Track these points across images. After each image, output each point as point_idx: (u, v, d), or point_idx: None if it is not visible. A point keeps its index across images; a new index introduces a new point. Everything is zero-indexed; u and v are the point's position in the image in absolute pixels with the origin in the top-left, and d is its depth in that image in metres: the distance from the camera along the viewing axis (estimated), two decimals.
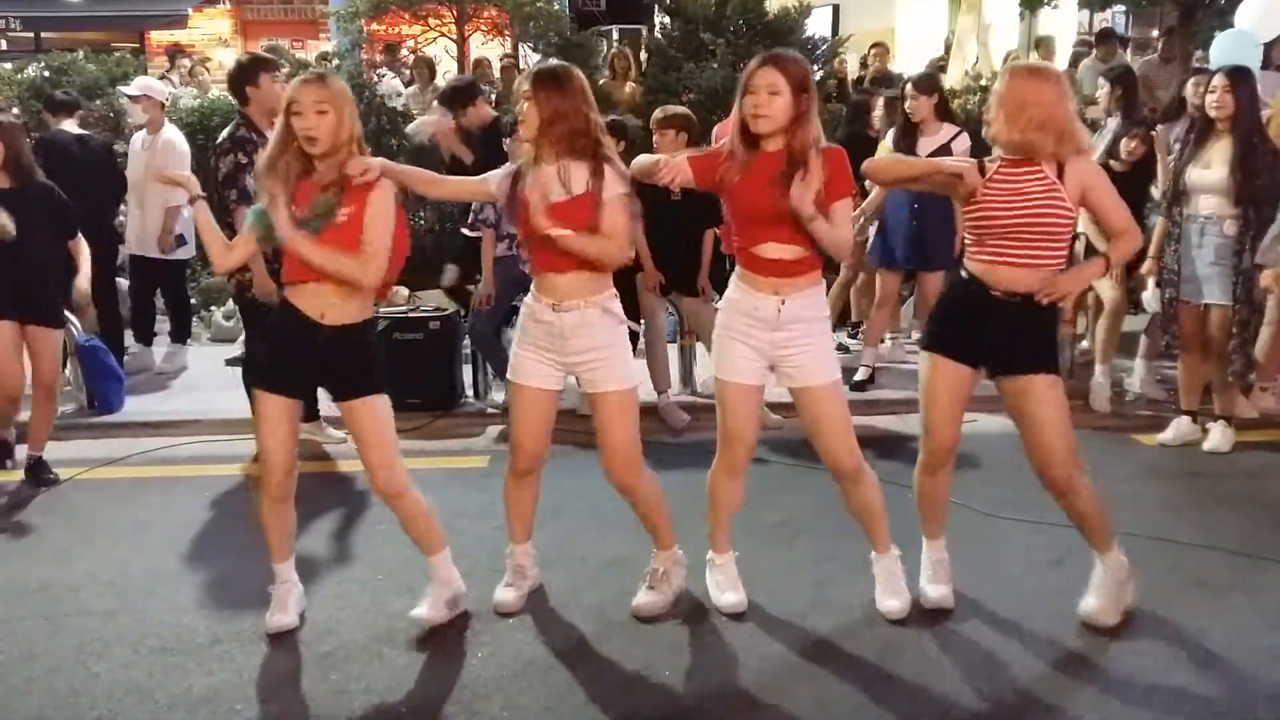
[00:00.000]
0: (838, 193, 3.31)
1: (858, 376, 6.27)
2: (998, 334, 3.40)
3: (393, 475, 3.45)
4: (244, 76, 5.11)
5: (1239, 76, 4.97)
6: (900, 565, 3.66)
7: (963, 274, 3.49)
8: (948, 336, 3.51)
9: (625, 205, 3.34)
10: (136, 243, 6.94)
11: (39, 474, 5.07)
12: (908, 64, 11.69)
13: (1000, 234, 3.32)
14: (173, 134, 6.97)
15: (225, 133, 5.14)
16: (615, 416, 3.47)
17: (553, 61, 3.54)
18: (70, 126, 6.94)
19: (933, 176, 3.50)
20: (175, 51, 12.16)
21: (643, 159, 3.50)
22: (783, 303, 3.37)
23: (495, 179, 3.50)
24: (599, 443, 3.53)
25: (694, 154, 3.56)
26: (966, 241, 3.49)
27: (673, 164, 3.38)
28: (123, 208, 7.72)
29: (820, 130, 3.36)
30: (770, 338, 3.41)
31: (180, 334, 7.17)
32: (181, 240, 6.90)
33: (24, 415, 5.26)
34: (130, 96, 6.94)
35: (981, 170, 3.37)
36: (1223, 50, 6.63)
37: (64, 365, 6.58)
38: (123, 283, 7.40)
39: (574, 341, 3.41)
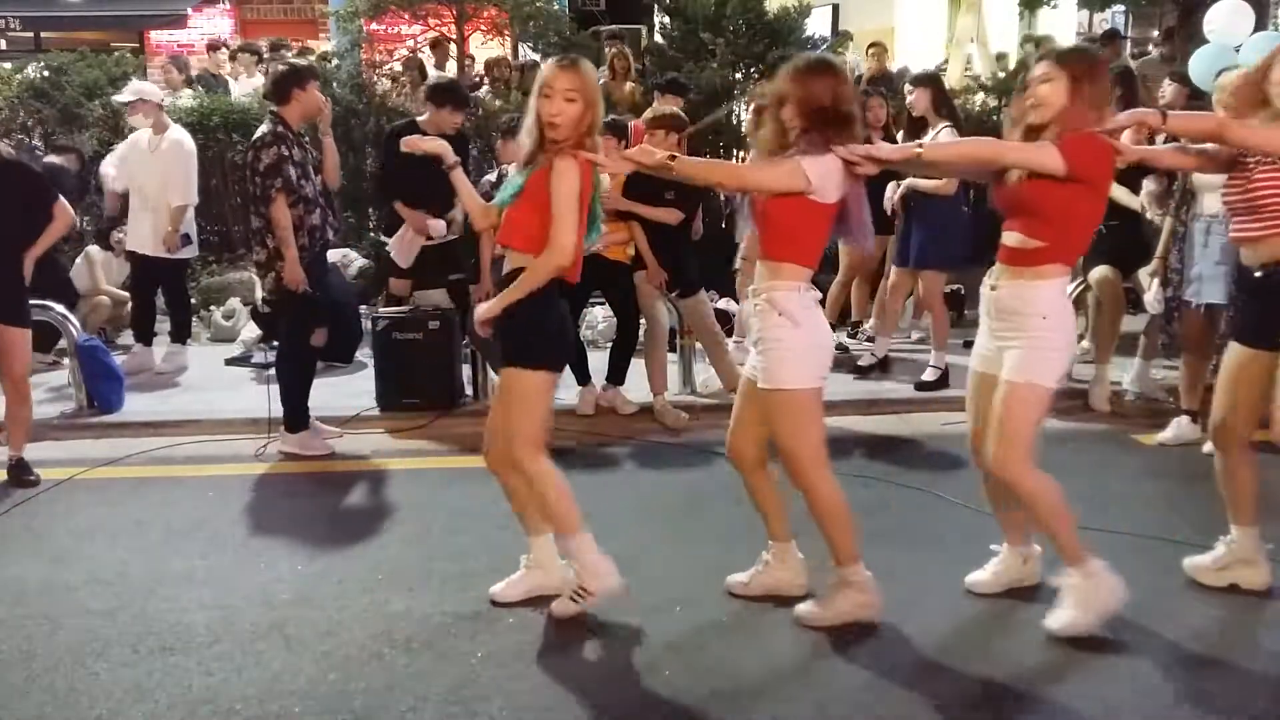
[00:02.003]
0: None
1: (862, 363, 6.56)
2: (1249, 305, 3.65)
3: (508, 449, 3.48)
4: (296, 79, 5.30)
5: None
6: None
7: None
8: (1235, 321, 3.81)
9: None
10: (140, 241, 6.92)
11: (19, 475, 5.04)
12: (908, 64, 11.71)
13: (1235, 212, 3.62)
14: (179, 133, 6.99)
15: (265, 128, 5.26)
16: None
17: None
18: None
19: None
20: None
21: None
22: (992, 288, 3.43)
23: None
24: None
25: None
26: None
27: None
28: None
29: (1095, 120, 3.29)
30: (991, 325, 3.48)
31: (180, 334, 7.16)
32: (187, 239, 6.90)
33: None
34: (125, 103, 6.90)
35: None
36: (1203, 65, 6.68)
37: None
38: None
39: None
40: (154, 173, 6.82)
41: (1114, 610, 3.41)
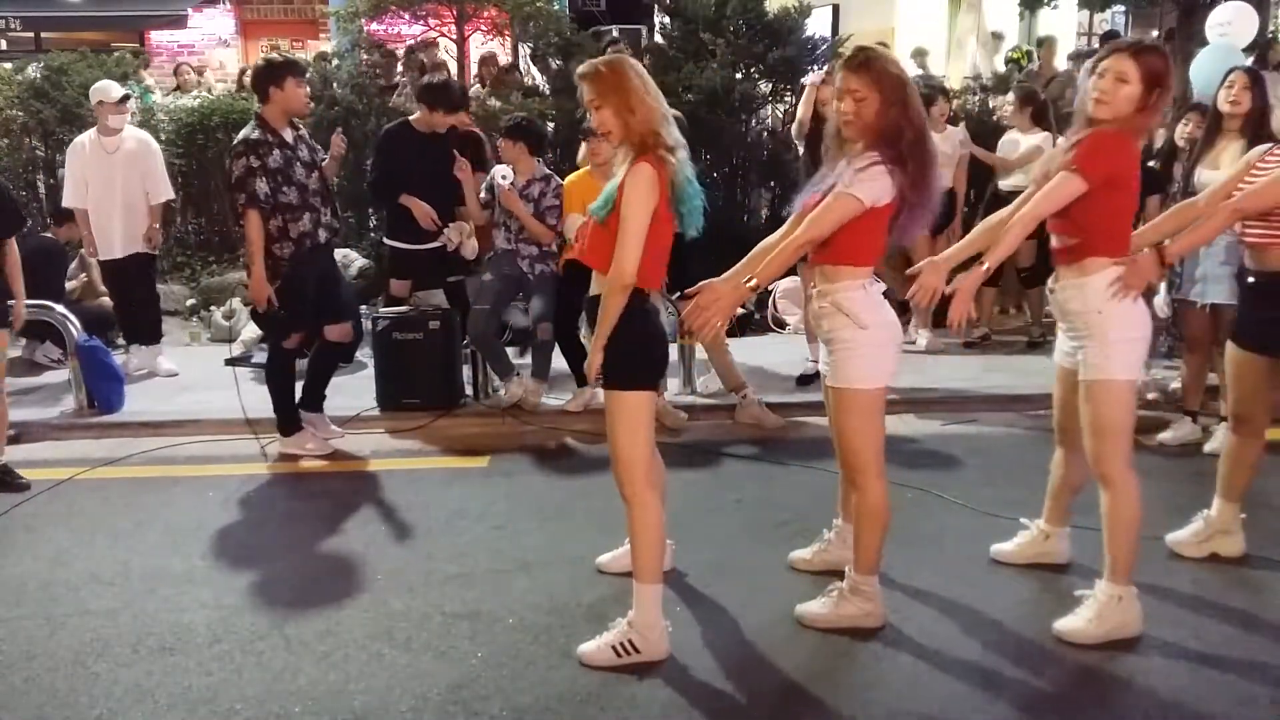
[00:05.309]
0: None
1: (804, 371, 6.35)
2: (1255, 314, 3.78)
3: (621, 485, 3.29)
4: (271, 75, 5.11)
5: (1258, 77, 4.97)
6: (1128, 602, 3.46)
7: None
8: (1236, 320, 3.89)
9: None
10: (125, 246, 6.80)
11: (8, 481, 5.00)
12: (907, 64, 11.71)
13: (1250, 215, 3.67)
14: (142, 132, 7.00)
15: (242, 134, 5.14)
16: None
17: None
18: None
19: None
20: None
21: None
22: (1051, 291, 3.47)
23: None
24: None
25: None
26: None
27: None
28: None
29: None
30: (1061, 327, 3.53)
31: (154, 334, 7.07)
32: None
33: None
34: (120, 99, 6.81)
35: None
36: (1205, 68, 6.66)
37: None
38: None
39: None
40: (119, 172, 6.73)
41: (1126, 637, 3.41)
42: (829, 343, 3.42)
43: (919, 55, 12.18)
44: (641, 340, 3.29)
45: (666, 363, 3.49)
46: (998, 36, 13.12)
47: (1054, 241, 3.42)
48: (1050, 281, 3.51)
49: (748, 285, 3.28)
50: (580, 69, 3.30)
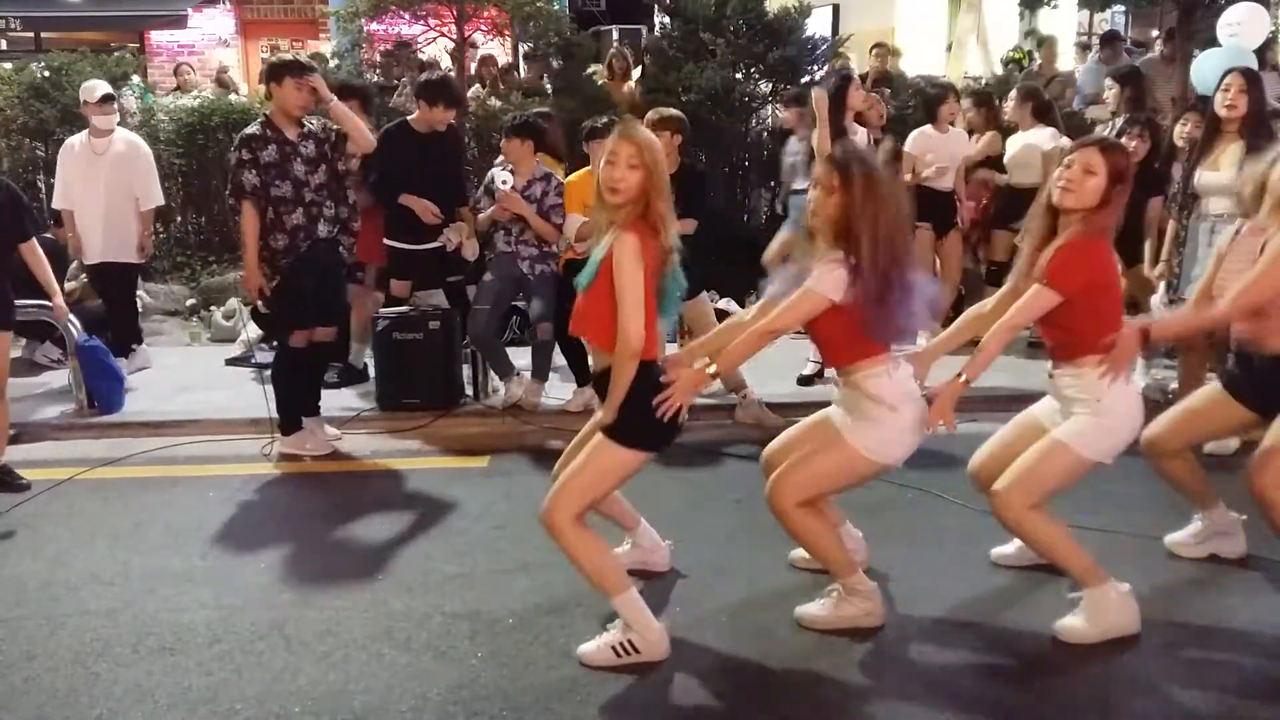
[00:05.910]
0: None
1: (804, 372, 6.35)
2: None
3: (548, 509, 3.25)
4: (271, 75, 5.26)
5: (1254, 78, 4.97)
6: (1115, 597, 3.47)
7: None
8: (1235, 378, 3.75)
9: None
10: (105, 250, 6.74)
11: (8, 481, 4.98)
12: (907, 64, 11.73)
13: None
14: (133, 135, 6.98)
15: (243, 130, 5.26)
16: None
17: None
18: None
19: None
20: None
21: None
22: (1051, 377, 3.50)
23: None
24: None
25: None
26: None
27: None
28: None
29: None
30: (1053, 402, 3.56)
31: (123, 344, 6.92)
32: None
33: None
34: (107, 97, 6.74)
35: None
36: (1209, 68, 6.65)
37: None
38: None
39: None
40: (104, 175, 6.68)
41: (1124, 633, 3.41)
42: (854, 414, 3.40)
43: (894, 54, 12.09)
44: (647, 398, 3.20)
45: (674, 434, 3.35)
46: (1041, 38, 13.12)
47: (1046, 342, 3.48)
48: (1049, 368, 3.53)
49: (708, 371, 3.33)
50: (656, 121, 3.22)
